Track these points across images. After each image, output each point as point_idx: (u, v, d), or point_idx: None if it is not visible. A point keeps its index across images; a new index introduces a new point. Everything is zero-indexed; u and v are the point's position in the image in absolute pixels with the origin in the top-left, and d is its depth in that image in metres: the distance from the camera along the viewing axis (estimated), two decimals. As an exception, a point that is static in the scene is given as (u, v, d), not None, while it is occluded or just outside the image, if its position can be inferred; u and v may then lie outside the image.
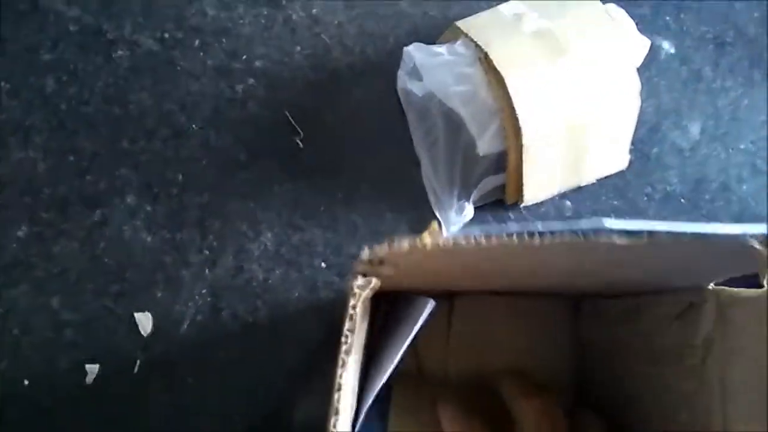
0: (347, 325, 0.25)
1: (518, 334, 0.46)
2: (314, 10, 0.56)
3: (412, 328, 0.29)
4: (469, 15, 0.53)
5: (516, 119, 0.43)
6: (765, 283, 0.25)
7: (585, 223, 0.25)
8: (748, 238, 0.23)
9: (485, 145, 0.46)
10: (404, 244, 0.23)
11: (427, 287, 0.35)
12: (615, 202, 0.53)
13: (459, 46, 0.47)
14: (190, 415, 0.47)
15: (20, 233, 0.49)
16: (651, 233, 0.23)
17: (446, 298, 0.44)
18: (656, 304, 0.36)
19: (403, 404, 0.39)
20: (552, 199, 0.53)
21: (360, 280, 0.26)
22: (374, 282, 0.26)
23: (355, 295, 0.25)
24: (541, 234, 0.23)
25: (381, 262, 0.25)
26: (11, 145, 0.51)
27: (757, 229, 0.25)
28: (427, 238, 0.23)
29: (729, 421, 0.29)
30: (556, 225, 0.23)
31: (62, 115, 0.52)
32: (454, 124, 0.49)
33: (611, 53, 0.45)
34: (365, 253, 0.25)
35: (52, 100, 0.52)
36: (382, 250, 0.24)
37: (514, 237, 0.23)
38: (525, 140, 0.44)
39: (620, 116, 0.47)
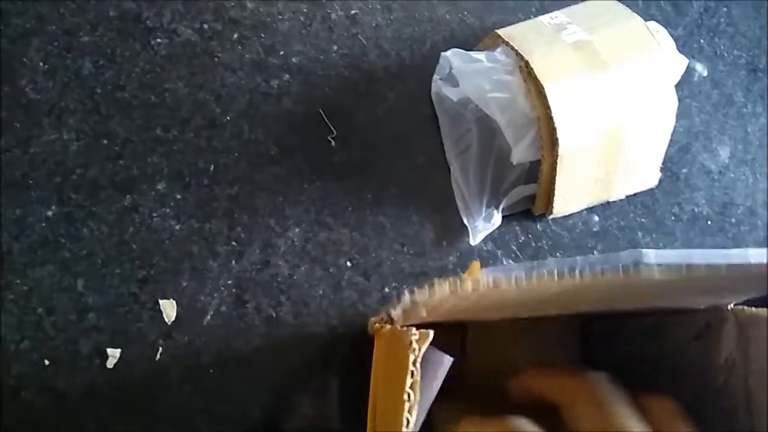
0: (408, 382, 0.25)
1: (530, 359, 0.48)
2: (353, 11, 0.58)
3: (430, 389, 0.29)
4: (507, 24, 0.55)
5: (553, 130, 0.45)
6: None
7: (624, 258, 0.26)
8: None
9: (520, 153, 0.47)
10: (445, 289, 0.23)
11: (439, 320, 0.35)
12: (643, 220, 0.55)
13: (499, 53, 0.49)
14: (210, 405, 0.48)
15: (49, 213, 0.51)
16: (689, 266, 0.24)
17: (458, 325, 0.45)
18: (673, 324, 0.38)
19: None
20: (580, 212, 0.54)
21: (416, 333, 0.26)
22: (431, 334, 0.26)
23: (414, 350, 0.25)
24: (580, 270, 0.24)
25: (416, 307, 0.25)
26: (44, 125, 0.52)
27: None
28: (468, 280, 0.23)
29: (758, 446, 0.30)
30: (595, 260, 0.24)
31: (97, 98, 0.53)
32: (488, 130, 0.50)
33: (651, 70, 0.46)
34: (406, 301, 0.25)
35: (88, 83, 0.54)
36: (421, 296, 0.24)
37: (555, 275, 0.23)
38: (561, 151, 0.45)
39: (655, 133, 0.48)
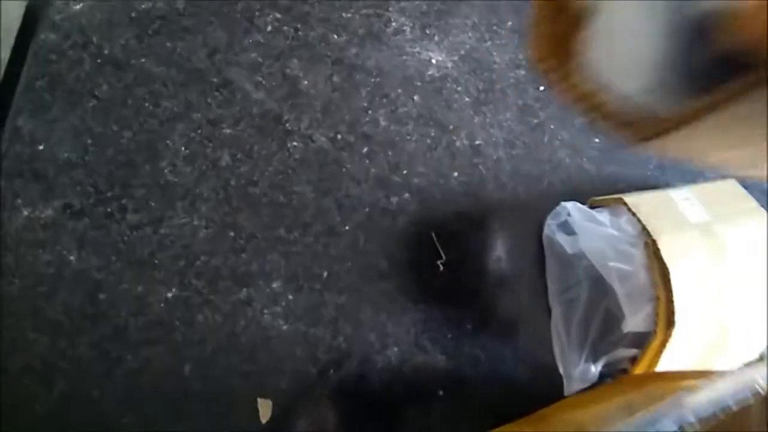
0: None
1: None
2: (477, 141, 0.62)
3: None
4: (622, 176, 0.58)
5: (672, 312, 0.47)
6: None
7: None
8: None
9: (633, 324, 0.50)
10: None
11: None
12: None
13: (625, 223, 0.51)
14: None
15: (169, 294, 0.54)
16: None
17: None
18: None
19: None
20: (674, 379, 0.56)
21: None
22: None
23: None
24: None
25: None
26: (178, 208, 0.57)
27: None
28: None
29: None
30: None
31: (230, 190, 0.57)
32: (600, 290, 0.53)
33: (771, 263, 0.49)
34: None
35: (224, 174, 0.58)
36: None
37: None
38: (676, 331, 0.47)
39: (763, 330, 0.50)
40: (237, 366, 0.54)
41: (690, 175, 0.62)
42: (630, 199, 0.53)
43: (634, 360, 0.54)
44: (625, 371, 0.56)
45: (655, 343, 0.50)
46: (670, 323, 0.48)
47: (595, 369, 0.54)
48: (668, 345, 0.49)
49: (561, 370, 0.55)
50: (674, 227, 0.50)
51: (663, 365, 0.51)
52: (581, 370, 0.54)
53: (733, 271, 0.48)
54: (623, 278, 0.50)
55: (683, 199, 0.53)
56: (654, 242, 0.49)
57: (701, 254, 0.48)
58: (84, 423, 0.51)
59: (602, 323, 0.53)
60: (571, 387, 0.55)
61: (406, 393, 0.55)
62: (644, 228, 0.50)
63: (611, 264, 0.50)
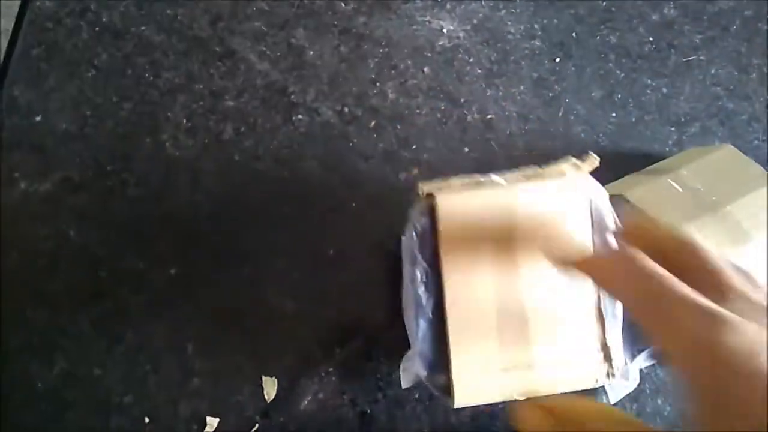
0: None
1: None
2: (489, 115, 0.60)
3: None
4: (640, 152, 0.56)
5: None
6: None
7: None
8: None
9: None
10: None
11: None
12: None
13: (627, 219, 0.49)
14: (298, 496, 0.50)
15: (172, 271, 0.53)
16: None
17: None
18: None
19: None
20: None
21: None
22: None
23: None
24: None
25: None
26: (180, 183, 0.55)
27: None
28: None
29: None
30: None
31: (234, 165, 0.56)
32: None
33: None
34: None
35: (227, 148, 0.56)
36: None
37: None
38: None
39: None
40: (241, 344, 0.53)
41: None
42: (635, 194, 0.51)
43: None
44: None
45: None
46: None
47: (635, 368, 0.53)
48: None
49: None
50: (684, 217, 0.48)
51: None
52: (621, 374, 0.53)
53: (755, 246, 0.47)
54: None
55: (683, 179, 0.51)
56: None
57: (720, 240, 0.47)
58: (85, 401, 0.50)
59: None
60: (614, 396, 0.53)
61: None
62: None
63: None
